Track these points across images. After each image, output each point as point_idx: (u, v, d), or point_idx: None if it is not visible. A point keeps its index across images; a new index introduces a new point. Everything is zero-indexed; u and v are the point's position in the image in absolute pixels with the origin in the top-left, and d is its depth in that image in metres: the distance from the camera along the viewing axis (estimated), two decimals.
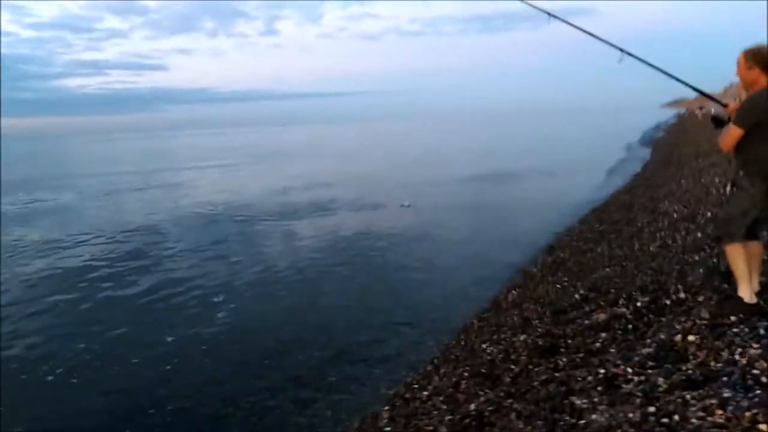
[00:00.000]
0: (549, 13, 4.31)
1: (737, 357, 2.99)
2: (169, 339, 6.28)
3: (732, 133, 3.48)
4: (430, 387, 4.28)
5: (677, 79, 4.08)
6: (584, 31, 4.24)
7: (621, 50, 4.11)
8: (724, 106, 3.91)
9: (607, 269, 6.25)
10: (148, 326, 6.79)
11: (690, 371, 3.05)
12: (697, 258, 5.60)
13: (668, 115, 66.91)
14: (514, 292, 6.47)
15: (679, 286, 4.50)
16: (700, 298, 4.11)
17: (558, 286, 6.17)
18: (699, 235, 6.37)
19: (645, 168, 18.12)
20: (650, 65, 4.06)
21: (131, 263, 9.82)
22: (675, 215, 8.31)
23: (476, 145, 41.06)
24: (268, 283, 8.33)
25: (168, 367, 5.58)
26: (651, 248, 6.65)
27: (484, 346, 4.83)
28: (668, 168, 15.15)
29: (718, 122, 3.89)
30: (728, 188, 3.76)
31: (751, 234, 3.62)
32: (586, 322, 4.44)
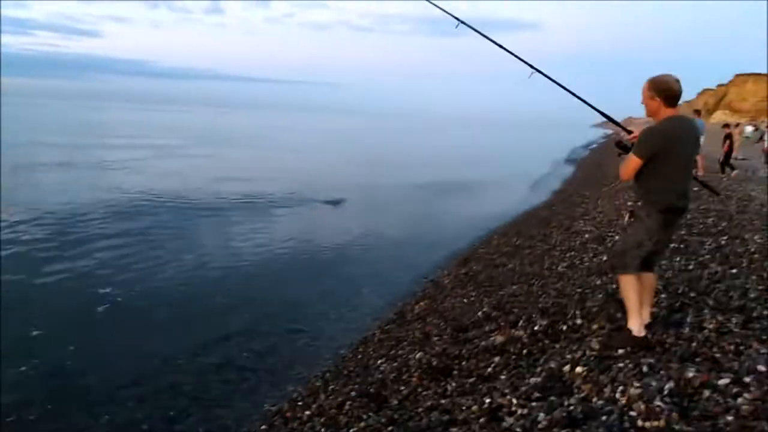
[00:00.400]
0: (458, 19, 4.14)
1: (618, 395, 2.91)
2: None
3: (631, 163, 3.44)
4: (313, 406, 4.00)
5: (582, 100, 4.01)
6: (495, 43, 4.09)
7: (531, 66, 3.99)
8: (629, 133, 3.88)
9: (515, 286, 6.22)
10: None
11: (572, 407, 2.95)
12: (599, 282, 5.65)
13: (597, 134, 70.23)
14: (422, 303, 6.32)
15: (578, 312, 4.47)
16: (594, 326, 4.07)
17: (465, 300, 6.07)
18: (604, 258, 6.46)
19: (567, 185, 18.75)
20: (558, 84, 3.97)
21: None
22: (586, 235, 8.48)
23: (413, 150, 41.18)
24: (163, 279, 7.73)
25: None
26: (559, 268, 6.69)
27: (379, 362, 4.60)
28: (588, 188, 15.70)
29: (623, 148, 3.85)
30: (626, 218, 3.72)
31: (645, 266, 3.59)
32: (483, 343, 4.32)
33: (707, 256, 5.82)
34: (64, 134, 36.48)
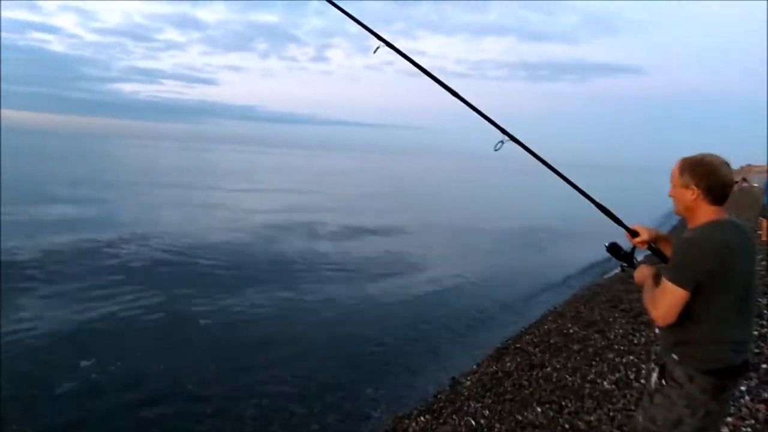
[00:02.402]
0: (381, 39, 3.21)
1: None
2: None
3: (672, 297, 2.18)
4: None
5: (570, 183, 2.86)
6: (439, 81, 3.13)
7: (504, 132, 2.90)
8: (633, 235, 2.62)
9: (540, 409, 4.85)
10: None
11: None
12: None
13: None
14: (421, 419, 5.10)
15: None
16: None
17: (472, 422, 4.79)
18: None
19: None
20: (534, 155, 2.87)
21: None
22: (657, 330, 6.84)
23: (500, 195, 39.54)
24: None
25: None
26: (605, 383, 5.23)
27: None
28: None
29: (623, 258, 2.63)
30: (654, 377, 2.44)
31: None
32: None
33: None
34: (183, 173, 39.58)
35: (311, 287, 9.87)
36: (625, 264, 2.61)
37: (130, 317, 7.78)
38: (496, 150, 2.84)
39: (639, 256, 2.67)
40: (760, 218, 13.40)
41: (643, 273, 2.46)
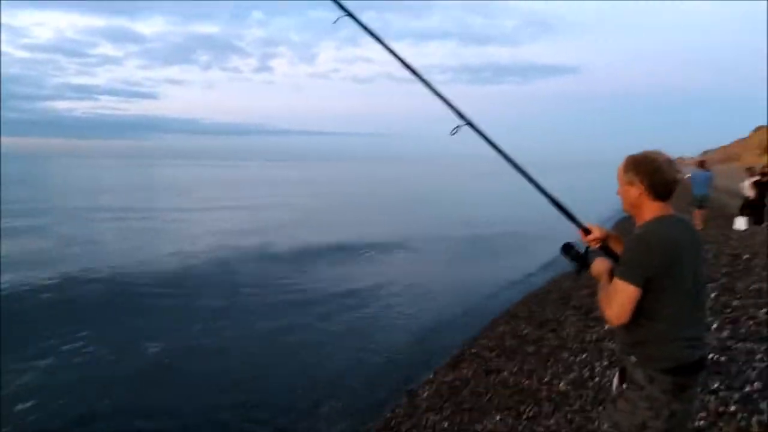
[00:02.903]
0: (345, 9, 2.99)
1: None
2: None
3: (624, 295, 2.16)
4: None
5: (518, 169, 2.81)
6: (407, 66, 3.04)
7: (461, 116, 2.81)
8: (585, 232, 2.55)
9: (498, 416, 4.77)
10: None
11: None
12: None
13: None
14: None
15: None
16: None
17: None
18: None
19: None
20: (490, 142, 2.76)
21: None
22: (606, 325, 6.94)
23: (450, 198, 39.92)
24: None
25: None
26: (561, 385, 5.22)
27: None
28: None
29: (576, 258, 2.55)
30: (615, 382, 2.40)
31: None
32: None
33: (757, 386, 4.26)
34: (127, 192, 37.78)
35: (262, 310, 9.47)
36: (578, 264, 2.54)
37: (74, 359, 7.13)
38: (452, 134, 2.77)
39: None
40: (692, 209, 14.05)
41: (599, 268, 2.42)
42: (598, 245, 2.53)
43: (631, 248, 2.23)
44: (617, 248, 2.50)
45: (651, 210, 2.26)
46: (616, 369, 2.38)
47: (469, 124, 2.78)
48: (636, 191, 2.27)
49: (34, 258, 13.45)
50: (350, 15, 3.03)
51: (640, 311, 2.16)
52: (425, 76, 2.90)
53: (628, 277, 2.14)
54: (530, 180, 2.70)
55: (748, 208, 14.70)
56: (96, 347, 7.41)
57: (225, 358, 7.24)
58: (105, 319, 8.74)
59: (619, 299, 2.15)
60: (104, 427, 5.40)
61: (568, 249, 2.57)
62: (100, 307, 9.40)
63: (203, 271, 12.42)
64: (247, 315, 9.12)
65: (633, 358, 2.24)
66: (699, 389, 2.81)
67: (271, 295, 10.37)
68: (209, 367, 6.97)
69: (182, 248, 15.11)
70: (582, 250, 2.55)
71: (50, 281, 10.88)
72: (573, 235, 2.63)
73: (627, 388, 2.25)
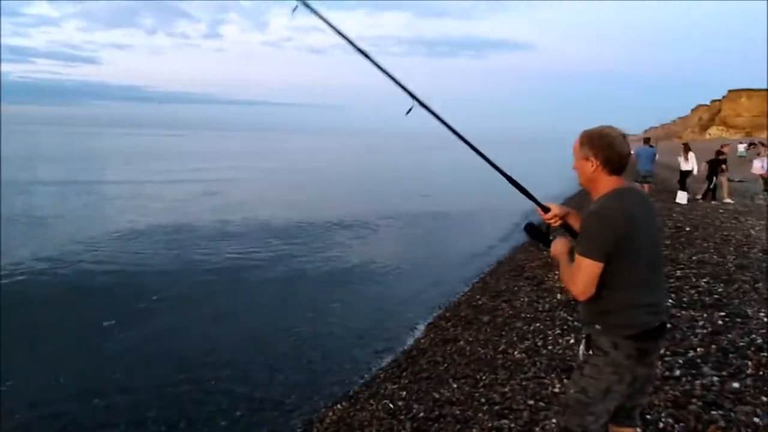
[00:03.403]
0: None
1: None
2: None
3: (586, 270, 2.20)
4: None
5: (472, 147, 2.79)
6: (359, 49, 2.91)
7: (414, 98, 2.74)
8: (544, 210, 2.58)
9: (456, 384, 4.85)
10: None
11: None
12: (558, 388, 4.30)
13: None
14: (339, 406, 4.92)
15: None
16: None
17: (391, 406, 4.68)
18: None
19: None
20: (441, 121, 2.74)
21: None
22: (558, 295, 7.14)
23: (405, 173, 39.98)
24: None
25: None
26: (516, 352, 5.33)
27: None
28: None
29: (537, 236, 2.59)
30: (580, 350, 2.43)
31: (620, 420, 2.43)
32: None
33: (700, 352, 4.47)
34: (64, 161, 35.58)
35: (221, 290, 9.11)
36: (541, 243, 2.55)
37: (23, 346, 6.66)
38: (407, 115, 2.73)
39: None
40: (636, 184, 14.62)
41: (558, 248, 2.46)
42: (558, 222, 2.56)
43: (589, 225, 2.25)
44: (576, 224, 2.53)
45: (606, 184, 2.29)
46: (582, 337, 2.40)
47: (421, 104, 2.73)
48: (591, 166, 2.29)
49: None
50: (306, 5, 2.98)
51: (602, 282, 2.21)
52: (377, 59, 2.83)
53: (590, 254, 2.17)
54: (486, 160, 2.68)
55: (683, 181, 15.43)
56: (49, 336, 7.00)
57: (179, 339, 7.02)
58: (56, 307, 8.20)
59: (583, 275, 2.19)
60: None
61: (529, 228, 2.60)
62: (36, 292, 8.77)
63: (152, 249, 11.92)
64: (199, 295, 8.82)
65: (597, 327, 2.29)
66: (660, 353, 2.88)
67: (227, 275, 10.04)
68: (166, 344, 6.75)
69: (128, 224, 14.48)
70: (543, 227, 2.57)
71: None
72: (529, 205, 2.64)
73: (592, 354, 2.30)
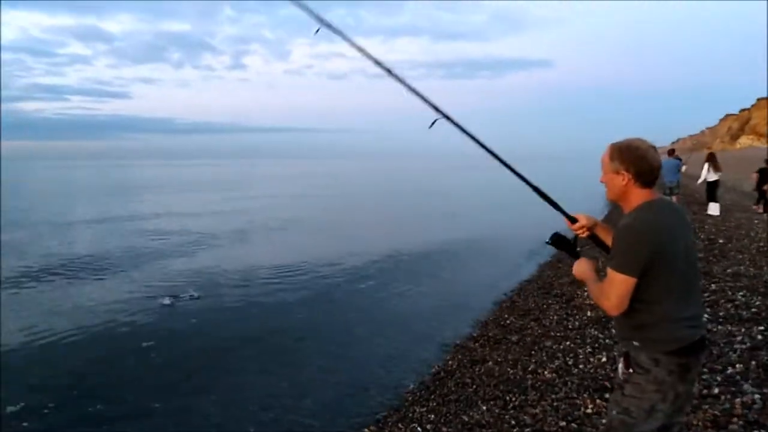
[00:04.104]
0: (322, 21, 2.99)
1: None
2: None
3: (620, 286, 2.15)
4: None
5: (496, 156, 2.72)
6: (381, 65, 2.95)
7: (437, 110, 2.74)
8: (571, 220, 2.53)
9: (485, 407, 4.75)
10: None
11: None
12: (590, 408, 4.18)
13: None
14: (366, 431, 4.86)
15: None
16: None
17: (419, 429, 4.61)
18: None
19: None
20: (465, 132, 2.73)
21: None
22: (589, 312, 6.99)
23: (430, 193, 39.95)
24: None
25: None
26: (546, 372, 5.22)
27: None
28: None
29: (565, 248, 2.55)
30: (619, 369, 2.35)
31: None
32: None
33: (739, 368, 4.30)
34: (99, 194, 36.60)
35: (247, 310, 9.24)
36: (568, 254, 2.51)
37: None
38: (430, 128, 2.73)
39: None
40: (664, 196, 14.30)
41: (582, 268, 2.42)
42: (586, 234, 2.52)
43: (622, 238, 2.20)
44: (605, 237, 2.49)
45: (638, 197, 2.25)
46: (619, 354, 2.33)
47: (446, 116, 2.74)
48: (623, 179, 2.25)
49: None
50: (329, 26, 3.01)
51: (636, 296, 2.16)
52: (401, 75, 2.86)
53: (624, 269, 2.12)
54: (511, 169, 2.65)
55: (713, 192, 15.01)
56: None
57: (202, 360, 7.08)
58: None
59: (616, 290, 2.14)
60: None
61: (557, 238, 2.54)
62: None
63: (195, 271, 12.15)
64: (224, 317, 8.93)
65: (636, 343, 2.22)
66: (700, 369, 2.79)
67: (257, 296, 10.13)
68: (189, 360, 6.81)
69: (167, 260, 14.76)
70: (571, 238, 2.53)
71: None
72: (559, 222, 2.61)
73: (633, 372, 2.21)
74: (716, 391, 3.99)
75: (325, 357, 6.98)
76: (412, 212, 25.23)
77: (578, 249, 2.49)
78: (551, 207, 2.59)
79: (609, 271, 2.18)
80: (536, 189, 2.62)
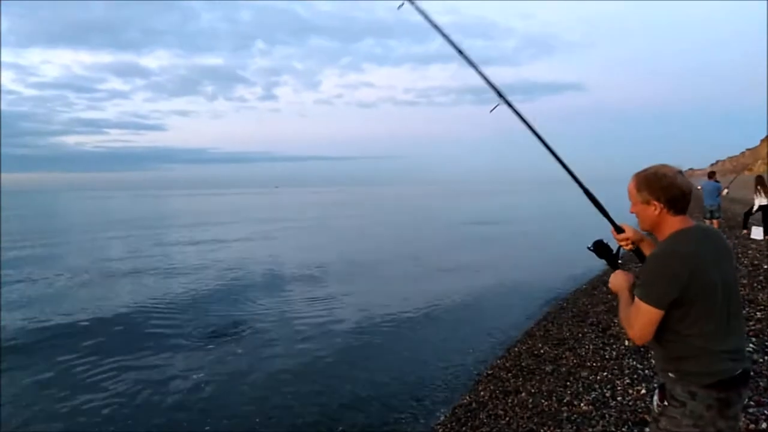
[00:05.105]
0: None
1: None
2: None
3: (646, 317, 2.09)
4: None
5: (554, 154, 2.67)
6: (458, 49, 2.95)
7: (500, 95, 2.78)
8: (618, 230, 2.47)
9: None
10: None
11: None
12: None
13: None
14: None
15: None
16: None
17: None
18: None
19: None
20: (523, 120, 2.74)
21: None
22: (626, 342, 6.75)
23: (467, 214, 39.77)
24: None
25: None
26: (582, 404, 5.05)
27: None
28: None
29: (606, 257, 2.50)
30: (654, 402, 2.26)
31: None
32: None
33: None
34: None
35: (289, 336, 9.26)
36: (608, 263, 2.47)
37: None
38: (491, 112, 2.78)
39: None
40: (704, 220, 13.84)
41: (618, 281, 2.33)
42: (629, 247, 2.44)
43: (650, 269, 2.13)
44: (648, 253, 2.40)
45: (672, 225, 2.17)
46: (655, 386, 2.25)
47: (507, 103, 2.75)
48: (654, 209, 2.18)
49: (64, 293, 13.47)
50: (411, 2, 3.05)
51: (671, 327, 2.09)
52: (468, 55, 2.91)
53: (649, 299, 2.06)
54: (567, 169, 2.59)
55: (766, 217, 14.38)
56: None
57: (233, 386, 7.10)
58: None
59: (641, 320, 2.08)
60: None
61: (599, 246, 2.49)
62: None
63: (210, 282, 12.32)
64: (262, 338, 8.98)
65: (671, 375, 2.14)
66: (743, 405, 2.66)
67: (300, 323, 10.12)
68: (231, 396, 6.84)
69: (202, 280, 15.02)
70: (613, 248, 2.47)
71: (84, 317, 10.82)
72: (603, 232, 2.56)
73: (668, 405, 2.13)
74: (764, 426, 3.79)
75: (352, 382, 6.91)
76: (451, 235, 25.10)
77: (619, 261, 2.43)
78: (600, 213, 2.54)
79: (636, 298, 2.12)
80: (587, 191, 2.58)
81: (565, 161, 2.61)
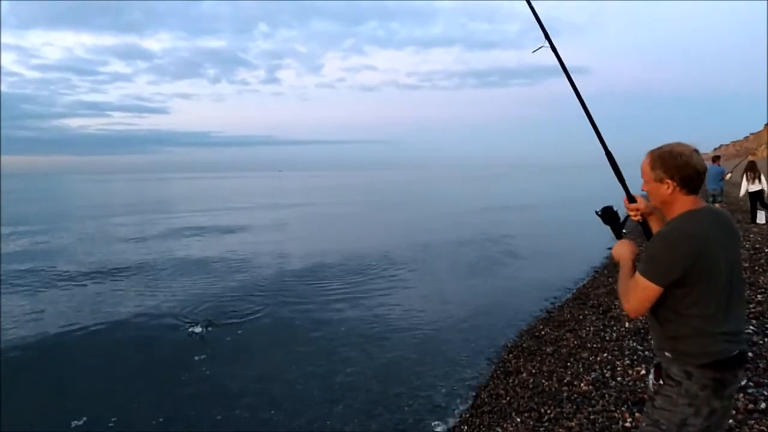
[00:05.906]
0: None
1: None
2: None
3: (642, 292, 2.10)
4: None
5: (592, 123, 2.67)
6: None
7: (547, 38, 2.76)
8: (630, 199, 2.44)
9: (519, 419, 4.67)
10: None
11: None
12: (629, 422, 4.07)
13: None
14: None
15: None
16: None
17: None
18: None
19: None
20: (565, 70, 2.74)
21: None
22: (627, 324, 6.79)
23: (471, 200, 39.68)
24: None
25: None
26: (582, 385, 5.10)
27: None
28: None
29: (610, 220, 2.53)
30: (650, 380, 2.28)
31: None
32: None
33: None
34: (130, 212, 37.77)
35: (294, 329, 9.15)
36: (613, 230, 2.48)
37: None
38: (534, 52, 2.79)
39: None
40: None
41: (623, 251, 2.33)
42: (638, 218, 2.43)
43: (657, 246, 2.13)
44: (655, 227, 2.39)
45: (683, 205, 2.16)
46: (651, 366, 2.26)
47: (552, 47, 2.74)
48: (668, 188, 2.15)
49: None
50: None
51: (671, 306, 2.09)
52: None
53: (649, 276, 2.07)
54: (594, 127, 2.62)
55: (754, 202, 14.38)
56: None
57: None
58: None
59: (638, 295, 2.09)
60: None
61: (606, 212, 2.49)
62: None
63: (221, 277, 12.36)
64: (280, 338, 9.03)
65: (668, 354, 2.15)
66: (739, 386, 2.68)
67: (297, 314, 10.03)
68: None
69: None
70: (621, 217, 2.47)
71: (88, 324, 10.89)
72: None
73: (663, 384, 2.14)
74: (763, 406, 3.83)
75: (355, 364, 6.94)
76: (448, 223, 25.00)
77: (624, 230, 2.42)
78: (617, 178, 2.54)
79: (636, 273, 2.13)
80: (608, 153, 2.58)
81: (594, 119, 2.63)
